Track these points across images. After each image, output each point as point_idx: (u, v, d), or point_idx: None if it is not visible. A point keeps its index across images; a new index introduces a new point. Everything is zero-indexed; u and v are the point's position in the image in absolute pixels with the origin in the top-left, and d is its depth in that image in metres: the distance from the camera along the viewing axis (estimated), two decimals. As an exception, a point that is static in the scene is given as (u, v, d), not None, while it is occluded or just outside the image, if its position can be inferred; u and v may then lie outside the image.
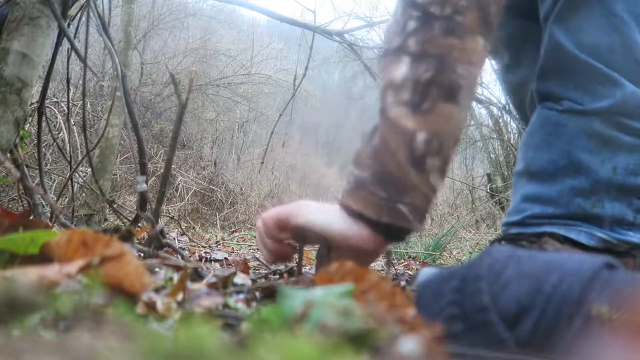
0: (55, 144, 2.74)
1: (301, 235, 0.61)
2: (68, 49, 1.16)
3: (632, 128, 0.64)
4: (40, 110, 1.05)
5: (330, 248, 0.60)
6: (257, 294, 0.53)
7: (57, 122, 2.99)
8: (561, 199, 0.68)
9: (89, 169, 2.50)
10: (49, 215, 0.97)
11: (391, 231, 0.58)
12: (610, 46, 0.64)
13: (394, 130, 0.58)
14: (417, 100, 0.57)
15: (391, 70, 0.60)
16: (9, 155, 0.90)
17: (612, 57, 0.64)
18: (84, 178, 2.67)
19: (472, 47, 0.58)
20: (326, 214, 0.61)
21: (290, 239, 0.63)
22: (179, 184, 5.44)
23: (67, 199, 2.00)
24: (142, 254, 0.64)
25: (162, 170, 3.68)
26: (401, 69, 0.58)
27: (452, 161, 0.60)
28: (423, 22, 0.58)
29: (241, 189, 6.50)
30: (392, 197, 0.57)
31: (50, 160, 3.32)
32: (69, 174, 1.31)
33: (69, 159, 1.51)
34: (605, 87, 0.64)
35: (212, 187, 5.95)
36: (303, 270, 0.68)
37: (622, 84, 0.64)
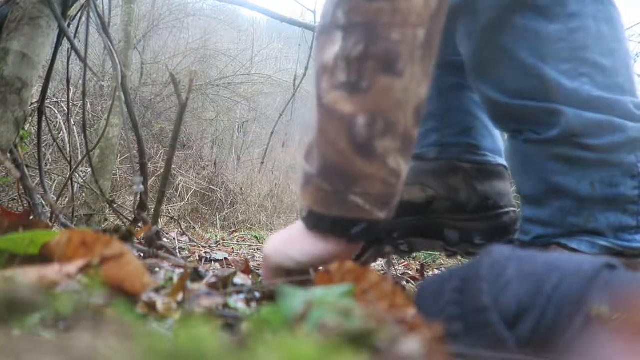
0: (55, 144, 2.74)
1: (286, 273, 0.58)
2: (68, 49, 1.16)
3: (591, 145, 0.64)
4: (40, 110, 1.05)
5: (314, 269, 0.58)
6: (257, 294, 0.53)
7: (57, 122, 2.99)
8: (555, 220, 0.69)
9: (89, 169, 2.50)
10: (49, 215, 0.97)
11: (349, 227, 0.54)
12: (531, 87, 0.66)
13: (331, 118, 0.52)
14: (353, 79, 0.51)
15: (324, 51, 0.54)
16: (9, 155, 0.90)
17: (539, 95, 0.66)
18: (84, 178, 2.67)
19: (406, 7, 0.50)
20: (289, 246, 0.57)
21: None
22: (179, 184, 5.44)
23: (67, 199, 2.00)
24: (142, 254, 0.64)
25: (162, 170, 3.68)
26: (333, 48, 0.52)
27: (415, 136, 0.54)
28: None
29: (241, 189, 6.50)
30: (340, 189, 0.53)
31: (50, 160, 3.32)
32: (69, 174, 1.31)
33: (69, 159, 1.51)
34: (549, 118, 0.66)
35: (212, 187, 5.95)
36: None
37: (562, 111, 0.65)
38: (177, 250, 1.29)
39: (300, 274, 0.57)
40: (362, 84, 0.51)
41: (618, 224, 0.65)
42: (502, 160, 0.87)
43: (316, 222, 0.55)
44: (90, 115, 4.07)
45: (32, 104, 1.08)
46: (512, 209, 0.82)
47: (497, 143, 0.88)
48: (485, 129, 0.87)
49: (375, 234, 0.56)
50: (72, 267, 0.36)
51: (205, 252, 1.29)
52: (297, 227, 0.58)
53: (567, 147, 0.66)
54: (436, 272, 0.94)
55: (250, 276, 0.66)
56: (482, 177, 0.84)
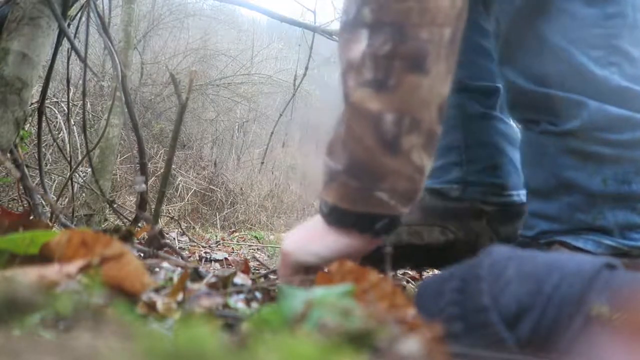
0: (55, 144, 2.74)
1: (305, 270, 0.58)
2: (68, 49, 1.16)
3: (609, 140, 0.64)
4: (40, 110, 1.05)
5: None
6: (257, 294, 0.53)
7: (57, 122, 2.99)
8: (562, 216, 0.68)
9: (89, 169, 2.50)
10: (49, 215, 0.97)
11: (373, 222, 0.55)
12: (559, 73, 0.65)
13: (358, 116, 0.53)
14: (380, 77, 0.52)
15: (350, 48, 0.54)
16: (9, 155, 0.90)
17: (565, 83, 0.65)
18: (84, 178, 2.67)
19: (435, 5, 0.51)
20: (310, 242, 0.58)
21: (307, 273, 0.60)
22: (179, 184, 5.44)
23: (67, 199, 2.00)
24: (142, 254, 0.64)
25: (162, 170, 3.68)
26: (359, 46, 0.53)
27: (438, 133, 0.55)
28: None
29: (241, 189, 6.50)
30: (367, 186, 0.53)
31: (50, 160, 3.32)
32: (69, 174, 1.31)
33: (69, 159, 1.51)
34: (570, 109, 0.65)
35: (212, 187, 5.95)
36: None
37: (584, 103, 0.64)
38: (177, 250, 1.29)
39: (319, 268, 0.57)
40: (390, 82, 0.52)
41: (626, 223, 0.65)
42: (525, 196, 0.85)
43: (340, 218, 0.56)
44: (90, 115, 4.07)
45: (32, 104, 1.08)
46: None
47: (521, 176, 0.85)
48: (511, 165, 0.85)
49: (396, 228, 0.57)
50: (72, 267, 0.36)
51: (205, 252, 1.29)
52: (316, 224, 0.58)
53: (584, 141, 0.65)
54: (436, 272, 0.94)
55: (251, 274, 0.66)
56: (506, 219, 0.83)
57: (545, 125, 0.68)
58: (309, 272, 0.57)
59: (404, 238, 0.79)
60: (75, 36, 1.17)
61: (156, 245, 0.64)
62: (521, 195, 0.85)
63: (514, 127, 0.88)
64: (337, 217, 0.56)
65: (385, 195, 0.53)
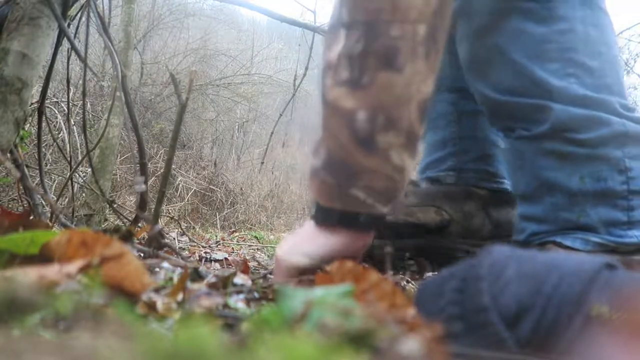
0: (55, 144, 2.74)
1: (299, 274, 0.58)
2: (68, 49, 1.16)
3: (579, 140, 0.66)
4: (40, 110, 1.05)
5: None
6: (257, 294, 0.53)
7: (57, 122, 2.99)
8: (548, 216, 0.70)
9: (89, 169, 2.50)
10: (49, 215, 0.97)
11: (356, 217, 0.55)
12: (522, 85, 0.69)
13: (334, 113, 0.54)
14: (355, 76, 0.52)
15: (330, 49, 0.55)
16: (9, 155, 0.90)
17: (529, 92, 0.69)
18: (84, 178, 2.67)
19: (405, 4, 0.51)
20: (302, 244, 0.58)
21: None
22: (179, 184, 5.44)
23: (67, 199, 2.00)
24: (142, 254, 0.64)
25: (162, 170, 3.68)
26: (337, 46, 0.54)
27: (419, 133, 0.55)
28: None
29: (241, 189, 6.50)
30: (342, 183, 0.54)
31: (50, 160, 3.32)
32: (69, 174, 1.31)
33: (69, 159, 1.51)
34: (538, 114, 0.68)
35: (212, 187, 5.95)
36: None
37: (550, 107, 0.67)
38: (177, 250, 1.29)
39: (315, 272, 0.57)
40: (363, 80, 0.52)
41: (609, 219, 0.66)
42: None
43: (324, 216, 0.57)
44: (90, 115, 4.07)
45: (32, 104, 1.08)
46: None
47: None
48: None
49: (381, 222, 0.57)
50: (72, 267, 0.36)
51: (205, 252, 1.29)
52: (307, 227, 0.59)
53: (556, 142, 0.68)
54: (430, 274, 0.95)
55: (251, 274, 0.66)
56: (497, 203, 0.86)
57: (519, 131, 0.72)
58: (305, 274, 0.57)
59: (400, 217, 0.81)
60: (75, 36, 1.17)
61: (156, 245, 0.64)
62: None
63: None
64: (321, 215, 0.57)
65: (361, 193, 0.54)
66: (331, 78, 0.54)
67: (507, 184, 0.88)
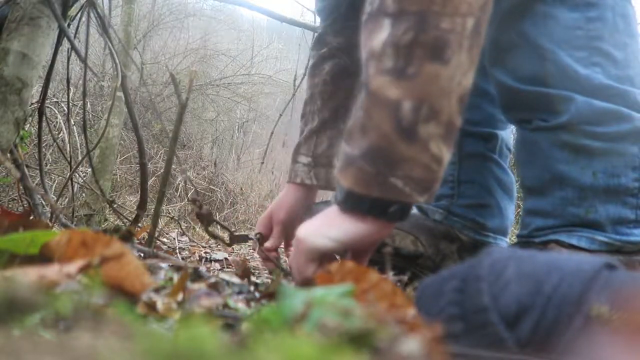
0: (55, 144, 2.74)
1: (320, 257, 0.57)
2: (68, 49, 1.16)
3: (597, 133, 0.66)
4: (41, 110, 1.05)
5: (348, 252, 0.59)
6: (257, 294, 0.53)
7: (57, 122, 2.99)
8: (555, 210, 0.70)
9: (89, 169, 2.50)
10: (49, 215, 0.97)
11: (387, 207, 0.55)
12: (546, 73, 0.68)
13: (377, 102, 0.54)
14: (400, 65, 0.52)
15: (372, 38, 0.55)
16: (9, 155, 0.90)
17: (552, 81, 0.68)
18: (84, 178, 2.67)
19: None
20: (327, 227, 0.57)
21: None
22: (179, 184, 5.44)
23: (67, 199, 2.00)
24: (142, 254, 0.64)
25: (162, 170, 3.68)
26: (381, 35, 0.53)
27: (458, 124, 0.55)
28: None
29: (241, 189, 6.50)
30: (382, 171, 0.53)
31: (50, 160, 3.32)
32: (69, 174, 1.31)
33: (69, 159, 1.50)
34: (559, 104, 0.68)
35: (212, 187, 5.95)
36: None
37: (572, 98, 0.67)
38: (177, 250, 1.29)
39: (333, 259, 0.58)
40: (409, 70, 0.52)
41: (617, 217, 0.66)
42: (503, 243, 0.89)
43: (355, 203, 0.56)
44: (90, 115, 4.07)
45: (32, 104, 1.08)
46: None
47: (504, 224, 0.90)
48: (497, 209, 0.89)
49: (409, 214, 0.57)
50: (72, 267, 0.36)
51: (205, 252, 1.29)
52: (332, 211, 0.59)
53: (573, 135, 0.67)
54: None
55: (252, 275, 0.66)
56: (474, 253, 0.86)
57: (537, 122, 0.71)
58: (323, 260, 0.57)
59: None
60: (75, 36, 1.17)
61: (207, 219, 0.64)
62: (497, 239, 0.89)
63: (511, 176, 0.92)
64: (352, 202, 0.56)
65: (400, 181, 0.53)
66: (374, 67, 0.54)
67: (492, 239, 0.88)
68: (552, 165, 0.70)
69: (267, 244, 0.86)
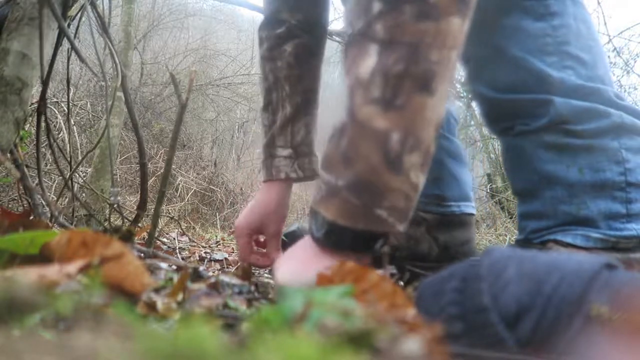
0: (55, 144, 2.73)
1: None
2: (68, 49, 1.16)
3: (578, 131, 0.69)
4: (40, 111, 1.05)
5: None
6: (257, 293, 0.53)
7: (57, 122, 2.99)
8: (548, 211, 0.72)
9: (89, 169, 2.50)
10: (49, 215, 0.97)
11: (369, 240, 0.54)
12: (522, 80, 0.72)
13: (364, 133, 0.52)
14: (389, 96, 0.51)
15: (358, 63, 0.53)
16: (9, 155, 0.90)
17: (529, 86, 0.71)
18: (84, 178, 2.67)
19: (446, 29, 0.51)
20: (306, 270, 0.53)
21: None
22: (179, 184, 5.44)
23: (67, 199, 2.00)
24: (142, 254, 0.64)
25: (162, 170, 3.68)
26: (369, 61, 0.52)
27: (433, 152, 0.55)
28: (390, 5, 0.51)
29: (241, 189, 6.50)
30: (368, 203, 0.52)
31: (50, 160, 3.32)
32: (68, 174, 1.31)
33: (69, 159, 1.50)
34: (539, 108, 0.71)
35: (212, 187, 5.95)
36: None
37: (550, 100, 0.70)
38: (177, 250, 1.29)
39: None
40: (398, 101, 0.51)
41: (609, 212, 0.67)
42: (467, 208, 0.90)
43: (338, 237, 0.54)
44: (90, 115, 4.07)
45: (32, 104, 1.08)
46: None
47: (464, 189, 0.91)
48: (452, 177, 0.90)
49: (386, 244, 0.56)
50: (72, 267, 0.36)
51: (205, 252, 1.29)
52: (308, 249, 0.57)
53: (555, 135, 0.70)
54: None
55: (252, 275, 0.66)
56: (444, 227, 0.87)
57: (519, 127, 0.73)
58: None
59: None
60: (75, 36, 1.17)
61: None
62: (461, 206, 0.90)
63: (457, 142, 0.94)
64: (335, 236, 0.54)
65: (384, 212, 0.53)
66: (361, 96, 0.53)
67: (455, 207, 0.88)
68: (538, 166, 0.72)
69: (266, 263, 0.83)
